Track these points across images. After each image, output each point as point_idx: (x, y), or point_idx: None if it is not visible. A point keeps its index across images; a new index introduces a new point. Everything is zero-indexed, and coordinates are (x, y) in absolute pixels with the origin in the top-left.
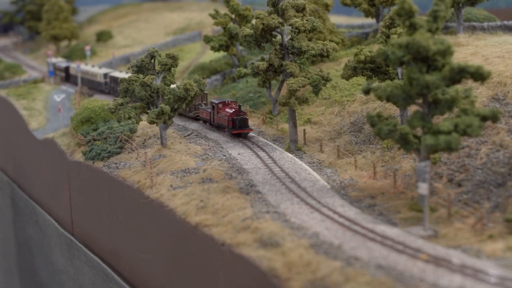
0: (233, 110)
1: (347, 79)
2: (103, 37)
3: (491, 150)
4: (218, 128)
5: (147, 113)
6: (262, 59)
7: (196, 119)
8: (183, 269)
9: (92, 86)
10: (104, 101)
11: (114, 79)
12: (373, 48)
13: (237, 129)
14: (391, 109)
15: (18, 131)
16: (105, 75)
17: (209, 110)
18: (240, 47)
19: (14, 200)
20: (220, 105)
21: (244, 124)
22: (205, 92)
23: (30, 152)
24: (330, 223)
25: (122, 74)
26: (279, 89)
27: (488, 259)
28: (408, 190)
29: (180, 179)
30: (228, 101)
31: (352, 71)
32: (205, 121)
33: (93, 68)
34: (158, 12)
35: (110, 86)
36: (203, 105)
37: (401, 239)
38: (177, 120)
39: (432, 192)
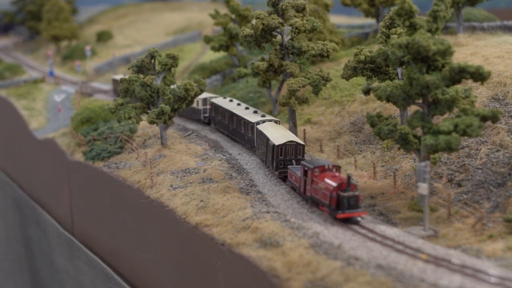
0: (338, 181)
1: (347, 79)
2: (103, 37)
3: (491, 150)
4: (313, 203)
5: (147, 113)
6: (262, 59)
7: (283, 179)
8: (183, 269)
9: (185, 113)
10: (104, 101)
11: (216, 108)
12: (373, 48)
13: (345, 211)
14: (391, 109)
15: (18, 131)
16: (204, 100)
17: (298, 174)
18: (240, 47)
19: (14, 200)
20: (317, 171)
21: (355, 204)
22: (301, 143)
23: (30, 152)
24: (330, 223)
25: (225, 101)
26: (279, 89)
27: (488, 259)
28: (408, 190)
29: (180, 179)
30: (328, 166)
31: (352, 71)
32: (292, 188)
33: None
34: (158, 12)
35: (210, 116)
36: (294, 162)
37: (401, 239)
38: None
39: (432, 192)
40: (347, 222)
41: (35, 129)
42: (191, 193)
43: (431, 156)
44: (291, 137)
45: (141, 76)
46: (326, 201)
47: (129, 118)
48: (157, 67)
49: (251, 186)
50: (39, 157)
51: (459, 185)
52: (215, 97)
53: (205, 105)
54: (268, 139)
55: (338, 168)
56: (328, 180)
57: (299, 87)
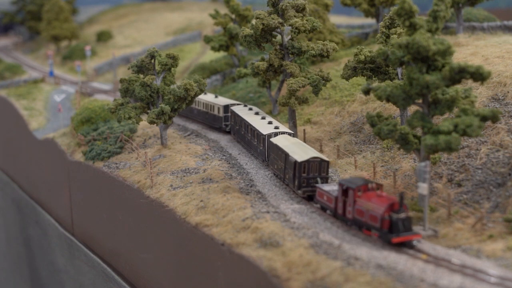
0: (388, 201)
1: (347, 79)
2: (103, 37)
3: (491, 150)
4: (355, 224)
5: (147, 113)
6: (262, 59)
7: (308, 199)
8: (183, 269)
9: (206, 120)
10: (104, 101)
11: (234, 116)
12: (373, 48)
13: (400, 234)
14: (391, 109)
15: (18, 131)
16: (226, 108)
17: (333, 192)
18: (240, 47)
19: (14, 200)
20: (360, 191)
21: (409, 225)
22: (325, 159)
23: (30, 152)
24: (330, 223)
25: (244, 109)
26: (279, 89)
27: (488, 259)
28: (408, 190)
29: (180, 179)
30: (372, 185)
31: (352, 71)
32: (322, 208)
33: (207, 95)
34: (158, 12)
35: (231, 124)
36: (319, 180)
37: None
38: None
39: (432, 192)
40: (402, 246)
41: (35, 129)
42: (191, 193)
43: (431, 156)
44: (314, 152)
45: (141, 76)
46: (376, 224)
47: (129, 118)
48: (157, 67)
49: (251, 186)
50: (39, 157)
51: (459, 185)
52: (237, 104)
53: (227, 112)
54: (287, 155)
55: (380, 186)
56: (376, 201)
57: (299, 87)
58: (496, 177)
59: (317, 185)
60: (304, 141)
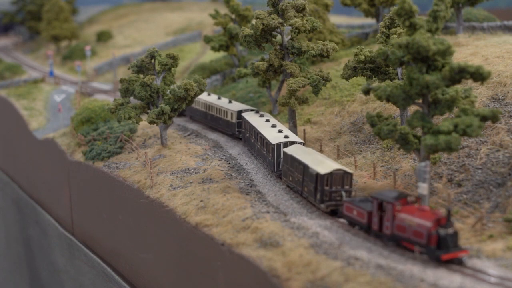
0: (434, 215)
1: (347, 79)
2: (103, 37)
3: (491, 150)
4: (393, 240)
5: (147, 113)
6: (262, 59)
7: (331, 213)
8: (183, 269)
9: (219, 126)
10: (104, 101)
11: (245, 123)
12: (373, 48)
13: (448, 250)
14: (391, 109)
15: (18, 131)
16: (239, 113)
17: (366, 207)
18: (240, 47)
19: (14, 200)
20: (398, 204)
21: (456, 241)
22: (349, 171)
23: (30, 152)
24: (330, 223)
25: (255, 115)
26: (279, 89)
27: (488, 259)
28: (408, 190)
29: (180, 179)
30: (411, 198)
31: (352, 71)
32: (351, 223)
33: (220, 100)
34: (158, 12)
35: (242, 131)
36: (344, 193)
37: None
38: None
39: (432, 192)
40: (449, 263)
41: (35, 129)
42: (191, 193)
43: (431, 156)
44: (335, 164)
45: (141, 76)
46: (421, 240)
47: (129, 118)
48: (157, 67)
49: (251, 186)
50: (39, 157)
51: (459, 185)
52: (251, 110)
53: (240, 118)
54: (307, 166)
55: (418, 199)
56: (421, 215)
57: (299, 87)
58: (496, 177)
59: (345, 199)
60: (304, 141)
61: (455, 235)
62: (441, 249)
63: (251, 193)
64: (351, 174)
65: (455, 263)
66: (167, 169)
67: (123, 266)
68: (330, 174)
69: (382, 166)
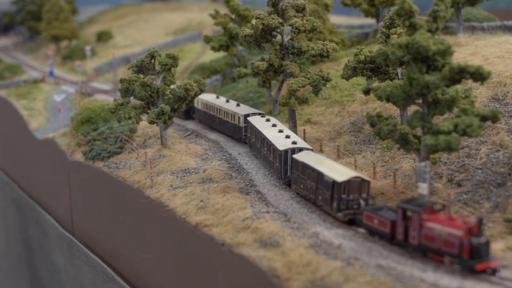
0: (465, 224)
1: (347, 79)
2: (103, 37)
3: (491, 150)
4: (420, 250)
5: (147, 113)
6: (262, 59)
7: (349, 223)
8: (183, 269)
9: (226, 130)
10: (104, 101)
11: (251, 127)
12: (373, 48)
13: (482, 259)
14: (391, 109)
15: (18, 131)
16: (246, 117)
17: (388, 216)
18: (240, 47)
19: (14, 200)
20: (424, 213)
21: (488, 250)
22: (366, 179)
23: (30, 152)
24: (330, 223)
25: (261, 119)
26: (279, 89)
27: None
28: (408, 190)
29: (180, 179)
30: (438, 206)
31: (352, 71)
32: (371, 233)
33: (229, 103)
34: (158, 12)
35: (248, 136)
36: (363, 201)
37: None
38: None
39: (432, 192)
40: (481, 273)
41: (35, 129)
42: (191, 193)
43: (431, 156)
44: (351, 171)
45: (141, 76)
46: (452, 250)
47: (129, 118)
48: (157, 67)
49: (251, 186)
50: (39, 157)
51: (459, 185)
52: (258, 114)
53: (247, 122)
54: (321, 174)
55: (444, 207)
56: (450, 224)
57: (299, 87)
58: (496, 177)
59: (365, 208)
60: (304, 140)
61: (487, 244)
62: (474, 258)
63: (251, 193)
64: (368, 182)
65: (487, 273)
66: (167, 169)
67: (123, 266)
68: (348, 181)
69: (382, 166)
